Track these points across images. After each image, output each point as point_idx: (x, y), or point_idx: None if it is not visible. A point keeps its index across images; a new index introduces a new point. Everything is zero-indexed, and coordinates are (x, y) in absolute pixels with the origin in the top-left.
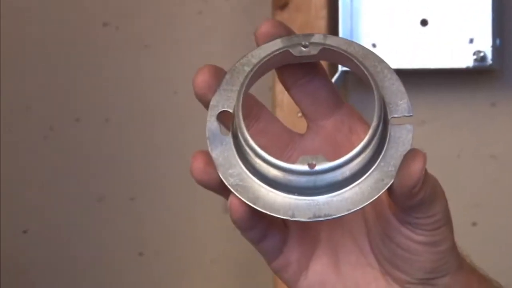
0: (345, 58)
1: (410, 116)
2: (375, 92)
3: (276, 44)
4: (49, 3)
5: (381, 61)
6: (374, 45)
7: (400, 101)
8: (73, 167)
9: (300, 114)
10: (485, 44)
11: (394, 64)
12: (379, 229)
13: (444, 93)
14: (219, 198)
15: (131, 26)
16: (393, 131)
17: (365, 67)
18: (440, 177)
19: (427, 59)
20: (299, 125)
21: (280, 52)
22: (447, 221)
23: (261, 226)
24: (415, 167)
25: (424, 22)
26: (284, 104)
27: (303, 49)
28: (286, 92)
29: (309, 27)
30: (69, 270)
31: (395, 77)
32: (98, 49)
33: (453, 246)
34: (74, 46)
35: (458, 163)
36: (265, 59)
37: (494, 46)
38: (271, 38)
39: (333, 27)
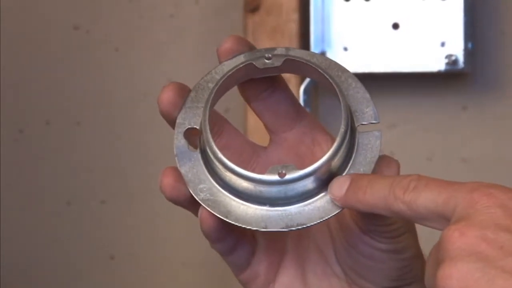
0: (309, 69)
1: (377, 123)
2: (341, 100)
3: (239, 60)
4: (19, 5)
5: (344, 70)
6: (345, 49)
7: (366, 109)
8: (43, 170)
9: None
10: (457, 48)
11: (366, 68)
12: (342, 239)
13: (416, 97)
14: None
15: (101, 29)
16: (361, 138)
17: (329, 76)
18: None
19: (399, 63)
20: None
21: (244, 66)
22: (409, 228)
23: (231, 238)
24: (391, 174)
25: (395, 26)
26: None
27: (267, 61)
28: None
29: (280, 30)
30: (38, 274)
31: (359, 85)
32: (69, 53)
33: (418, 254)
34: (45, 49)
35: (429, 166)
36: (229, 73)
37: (466, 50)
38: (233, 54)
39: (304, 31)
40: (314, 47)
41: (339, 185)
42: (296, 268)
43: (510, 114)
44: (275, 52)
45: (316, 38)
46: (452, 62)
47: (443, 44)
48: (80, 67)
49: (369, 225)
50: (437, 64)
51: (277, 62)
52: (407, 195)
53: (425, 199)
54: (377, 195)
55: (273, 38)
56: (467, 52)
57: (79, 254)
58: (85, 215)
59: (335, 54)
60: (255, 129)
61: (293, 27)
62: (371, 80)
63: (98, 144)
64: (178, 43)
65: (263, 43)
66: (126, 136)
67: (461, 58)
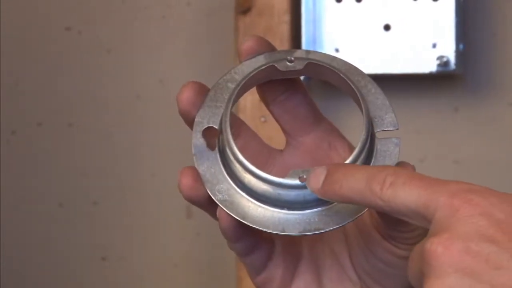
0: (330, 73)
1: (396, 129)
2: (363, 106)
3: (259, 61)
4: (10, 6)
5: (364, 75)
6: (337, 50)
7: (386, 115)
8: (35, 171)
9: (263, 119)
10: (448, 49)
11: None
12: (361, 244)
13: (408, 98)
14: (183, 203)
15: (94, 30)
16: (380, 144)
17: (351, 82)
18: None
19: (390, 64)
20: (262, 130)
21: (266, 67)
22: None
23: (249, 239)
24: None
25: (387, 27)
26: (247, 109)
27: (289, 64)
28: (249, 97)
29: (272, 32)
30: (30, 275)
31: (379, 90)
32: (61, 54)
33: None
34: (37, 50)
35: (421, 168)
36: (251, 74)
37: (457, 51)
38: (254, 54)
39: (296, 32)
40: (305, 48)
41: (316, 178)
42: (312, 272)
43: (502, 115)
44: (296, 55)
45: (308, 39)
46: (443, 63)
47: (434, 46)
48: (72, 68)
49: (391, 231)
50: (428, 66)
51: (299, 65)
52: (385, 193)
53: (404, 199)
54: (353, 189)
55: None
56: (459, 54)
57: (71, 256)
58: (77, 217)
59: None
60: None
61: (285, 28)
62: None
63: (90, 146)
64: (170, 44)
65: None
66: (118, 137)
67: (452, 60)
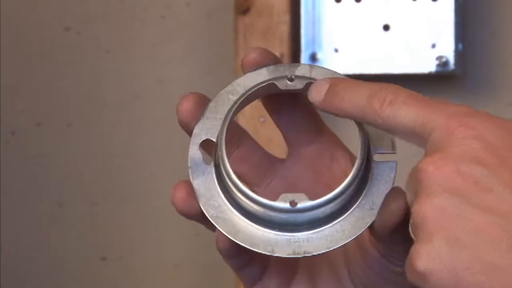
0: None
1: (394, 153)
2: (359, 129)
3: (262, 74)
4: (9, 6)
5: None
6: (336, 50)
7: (384, 137)
8: (35, 172)
9: (262, 120)
10: (448, 49)
11: (356, 69)
12: (359, 259)
13: None
14: None
15: (92, 31)
16: (376, 168)
17: None
18: (402, 184)
19: (390, 64)
20: (261, 130)
21: (266, 85)
22: None
23: (245, 256)
24: (396, 207)
25: (386, 27)
26: (246, 110)
27: (289, 82)
28: None
29: (271, 32)
30: (29, 275)
31: None
32: (60, 54)
33: None
34: (35, 50)
35: None
36: (250, 91)
37: (456, 51)
38: (257, 66)
39: (295, 32)
40: (305, 49)
41: (318, 89)
42: (308, 284)
43: (501, 115)
44: (297, 71)
45: (307, 39)
46: (442, 63)
47: (433, 46)
48: (71, 69)
49: (388, 250)
50: (427, 66)
51: (299, 85)
52: (384, 110)
53: (403, 117)
54: (354, 104)
55: (264, 39)
56: (458, 54)
57: (71, 256)
58: (77, 217)
59: (326, 56)
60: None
61: (284, 28)
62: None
63: (89, 146)
64: (169, 44)
65: (254, 44)
66: (117, 137)
67: (451, 60)
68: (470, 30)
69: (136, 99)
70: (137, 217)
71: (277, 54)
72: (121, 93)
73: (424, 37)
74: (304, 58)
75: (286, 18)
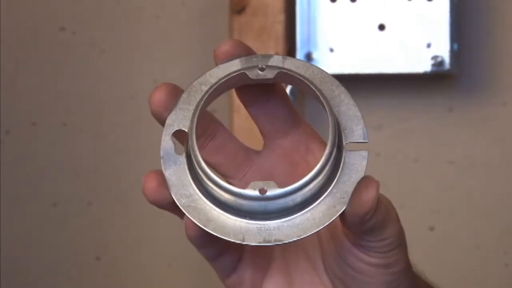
0: (300, 83)
1: (365, 142)
2: (330, 118)
3: (235, 65)
4: (4, 7)
5: (338, 85)
6: (331, 50)
7: (356, 127)
8: (30, 171)
9: None
10: (443, 49)
11: (352, 69)
12: (332, 250)
13: (402, 98)
14: None
15: (88, 30)
16: (347, 157)
17: (320, 92)
18: (397, 182)
19: (385, 64)
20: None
21: (237, 74)
22: (400, 242)
23: (217, 245)
24: (368, 196)
25: (381, 27)
26: (241, 109)
27: (260, 72)
28: None
29: (266, 31)
30: (24, 274)
31: (352, 102)
32: (55, 54)
33: (407, 267)
34: (31, 50)
35: (415, 168)
36: (221, 81)
37: (451, 51)
38: (230, 57)
39: (290, 32)
40: (300, 48)
41: None
42: (283, 275)
43: (496, 115)
44: (270, 62)
45: (302, 39)
46: (438, 63)
47: (429, 45)
48: (66, 68)
49: (361, 240)
50: (423, 65)
51: (270, 74)
52: None
53: None
54: None
55: (260, 39)
56: (453, 53)
57: (65, 256)
58: (71, 217)
59: (321, 55)
60: (240, 130)
61: (279, 28)
62: (357, 81)
63: (84, 146)
64: (164, 44)
65: (249, 44)
66: (112, 137)
67: (447, 59)
68: (466, 30)
69: (131, 98)
70: (132, 216)
71: (273, 53)
72: (116, 92)
73: (419, 37)
74: (299, 57)
75: (281, 17)
